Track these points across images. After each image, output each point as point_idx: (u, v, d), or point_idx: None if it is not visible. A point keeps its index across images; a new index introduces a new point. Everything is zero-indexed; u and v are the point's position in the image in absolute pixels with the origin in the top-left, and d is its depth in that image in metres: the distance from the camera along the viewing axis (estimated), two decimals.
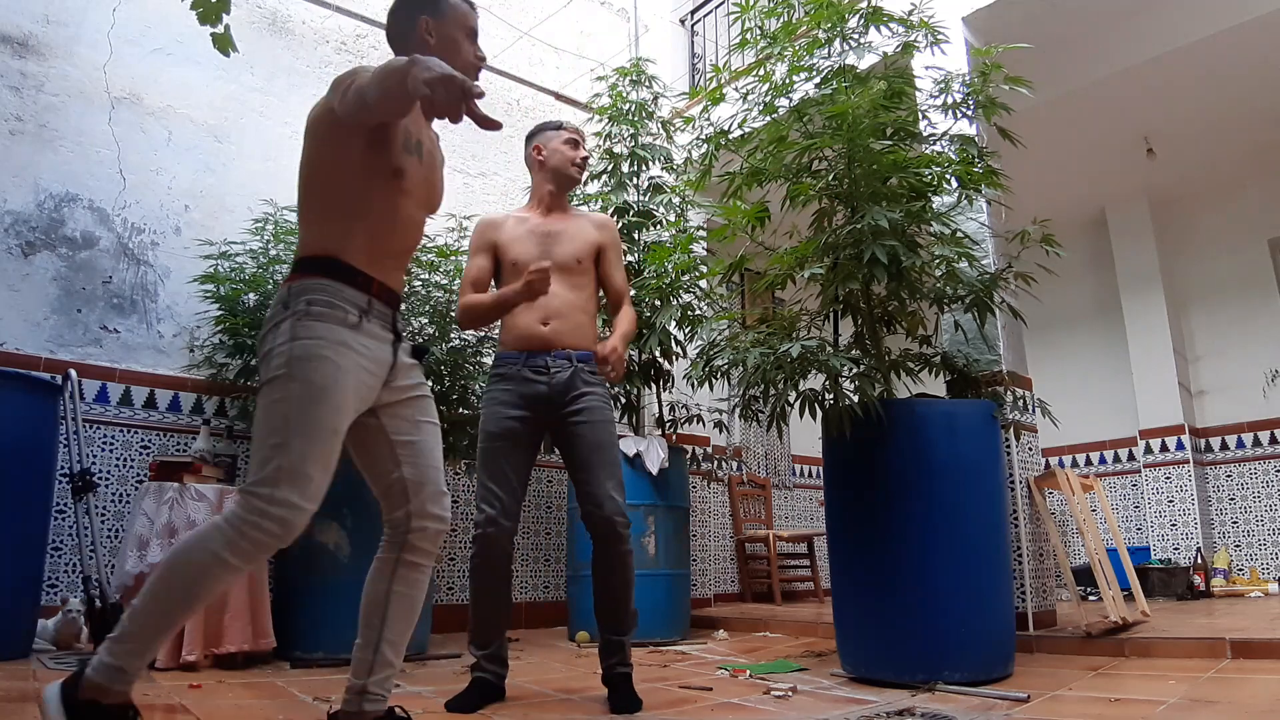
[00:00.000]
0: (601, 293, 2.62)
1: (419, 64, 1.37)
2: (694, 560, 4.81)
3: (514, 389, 2.39)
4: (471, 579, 2.37)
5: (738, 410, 3.10)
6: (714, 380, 3.28)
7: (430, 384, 3.72)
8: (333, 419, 1.55)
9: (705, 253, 4.45)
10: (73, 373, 3.32)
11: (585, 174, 2.61)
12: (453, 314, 3.84)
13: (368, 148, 1.65)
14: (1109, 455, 6.58)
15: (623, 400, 4.48)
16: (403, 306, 1.80)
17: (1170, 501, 5.90)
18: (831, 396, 2.80)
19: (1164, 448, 6.00)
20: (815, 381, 2.89)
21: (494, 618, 2.37)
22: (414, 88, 1.36)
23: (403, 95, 1.40)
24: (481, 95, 1.38)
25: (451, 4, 1.84)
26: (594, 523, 2.33)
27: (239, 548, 1.47)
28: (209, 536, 1.49)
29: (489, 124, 1.43)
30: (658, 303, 4.27)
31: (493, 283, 2.55)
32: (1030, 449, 3.64)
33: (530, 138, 2.63)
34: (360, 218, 1.66)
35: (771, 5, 3.17)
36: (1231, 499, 5.95)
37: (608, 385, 2.51)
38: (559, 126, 2.62)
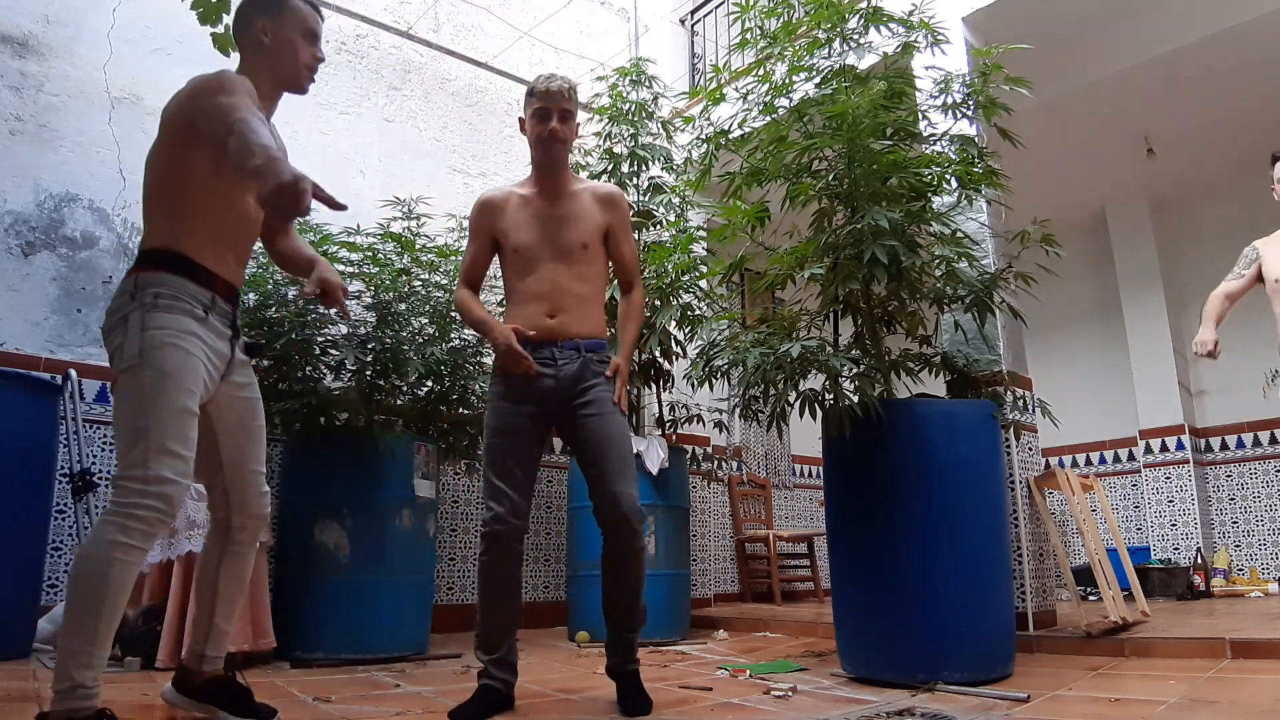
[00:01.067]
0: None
1: (265, 174, 1.47)
2: (694, 560, 4.81)
3: (519, 382, 2.26)
4: (480, 580, 2.24)
5: (738, 410, 3.10)
6: (714, 380, 3.27)
7: (430, 383, 3.77)
8: (186, 400, 1.68)
9: (705, 253, 4.45)
10: (73, 373, 3.32)
11: (564, 146, 2.36)
12: (453, 314, 3.84)
13: (215, 151, 1.71)
14: (1109, 455, 6.58)
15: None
16: (241, 300, 1.99)
17: (1170, 501, 5.90)
18: (831, 396, 2.79)
19: (1164, 448, 6.00)
20: (815, 381, 2.89)
21: (502, 621, 2.23)
22: (260, 197, 1.49)
23: (249, 181, 1.56)
24: (307, 197, 1.45)
25: (291, 7, 1.93)
26: (607, 519, 2.21)
27: (130, 529, 1.58)
28: (101, 531, 1.58)
29: (334, 205, 1.54)
30: (658, 303, 4.27)
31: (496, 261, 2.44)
32: (1030, 449, 3.64)
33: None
34: (203, 214, 1.77)
35: (771, 5, 3.17)
36: (1231, 499, 5.95)
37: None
38: (531, 92, 2.35)
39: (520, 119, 2.41)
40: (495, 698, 2.15)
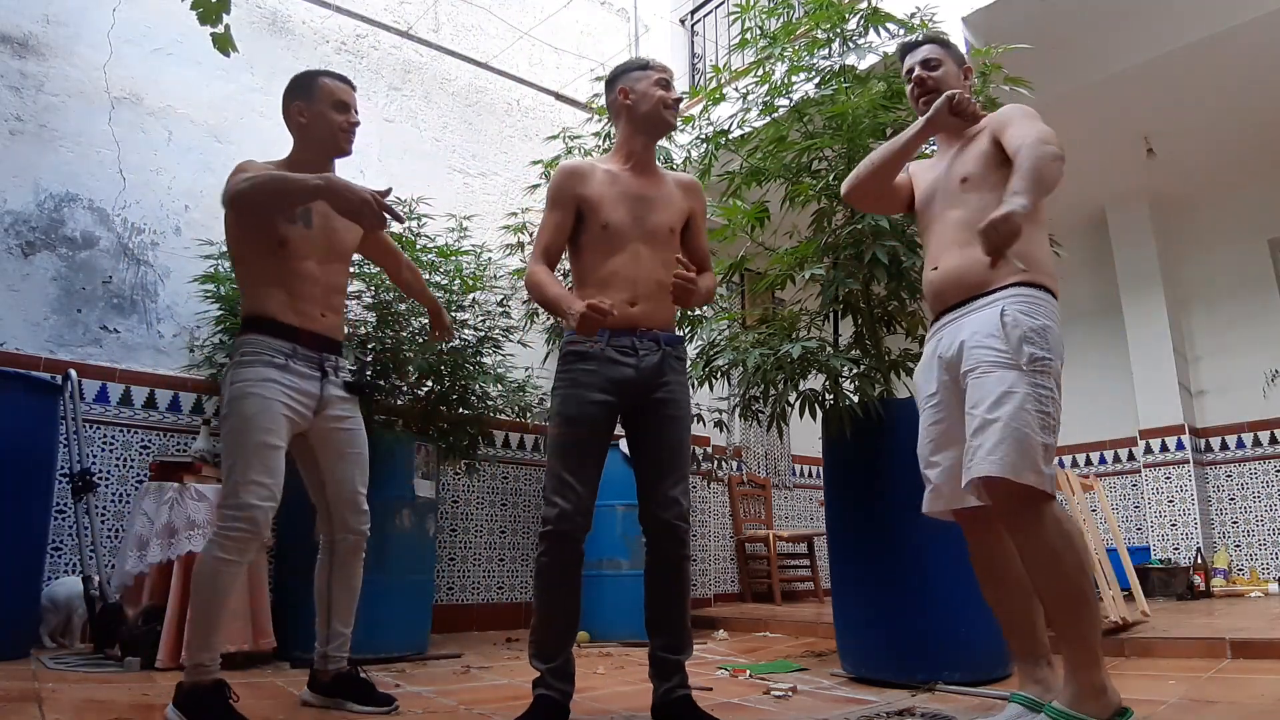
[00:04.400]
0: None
1: (333, 189, 2.00)
2: (694, 560, 4.79)
3: (598, 370, 2.07)
4: (538, 583, 2.05)
5: (738, 410, 3.10)
6: (714, 380, 3.27)
7: (430, 383, 3.77)
8: (265, 437, 2.03)
9: None
10: (73, 373, 3.32)
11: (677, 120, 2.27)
12: (454, 315, 3.84)
13: (258, 228, 2.11)
14: (1109, 455, 6.58)
15: None
16: (343, 346, 2.34)
17: (1170, 501, 5.90)
18: (831, 397, 2.79)
19: (1164, 448, 6.00)
20: (815, 382, 2.89)
21: (563, 628, 2.05)
22: (348, 210, 2.03)
23: (296, 203, 2.10)
24: (384, 195, 2.05)
25: (319, 84, 2.26)
26: (654, 524, 2.07)
27: (226, 546, 1.98)
28: (208, 549, 2.00)
29: (396, 217, 2.08)
30: None
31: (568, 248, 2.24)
32: None
33: (613, 81, 2.27)
34: (272, 279, 2.13)
35: (771, 5, 3.17)
36: (1231, 499, 5.94)
37: (689, 374, 2.31)
38: (645, 65, 2.24)
39: (623, 89, 2.22)
40: (553, 710, 1.97)
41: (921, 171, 2.15)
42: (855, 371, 2.83)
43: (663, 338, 2.15)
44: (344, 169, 2.29)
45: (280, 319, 2.11)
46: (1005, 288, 1.84)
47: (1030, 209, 1.72)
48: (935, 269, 1.98)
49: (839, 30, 3.05)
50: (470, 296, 3.96)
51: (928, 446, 1.96)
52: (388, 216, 2.06)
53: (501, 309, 4.12)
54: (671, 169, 4.58)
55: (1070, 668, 1.71)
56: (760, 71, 3.15)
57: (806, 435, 6.22)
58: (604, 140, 4.64)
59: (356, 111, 2.30)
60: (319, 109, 2.23)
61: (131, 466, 3.67)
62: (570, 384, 2.10)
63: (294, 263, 2.15)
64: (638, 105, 2.20)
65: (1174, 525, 5.84)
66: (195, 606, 2.00)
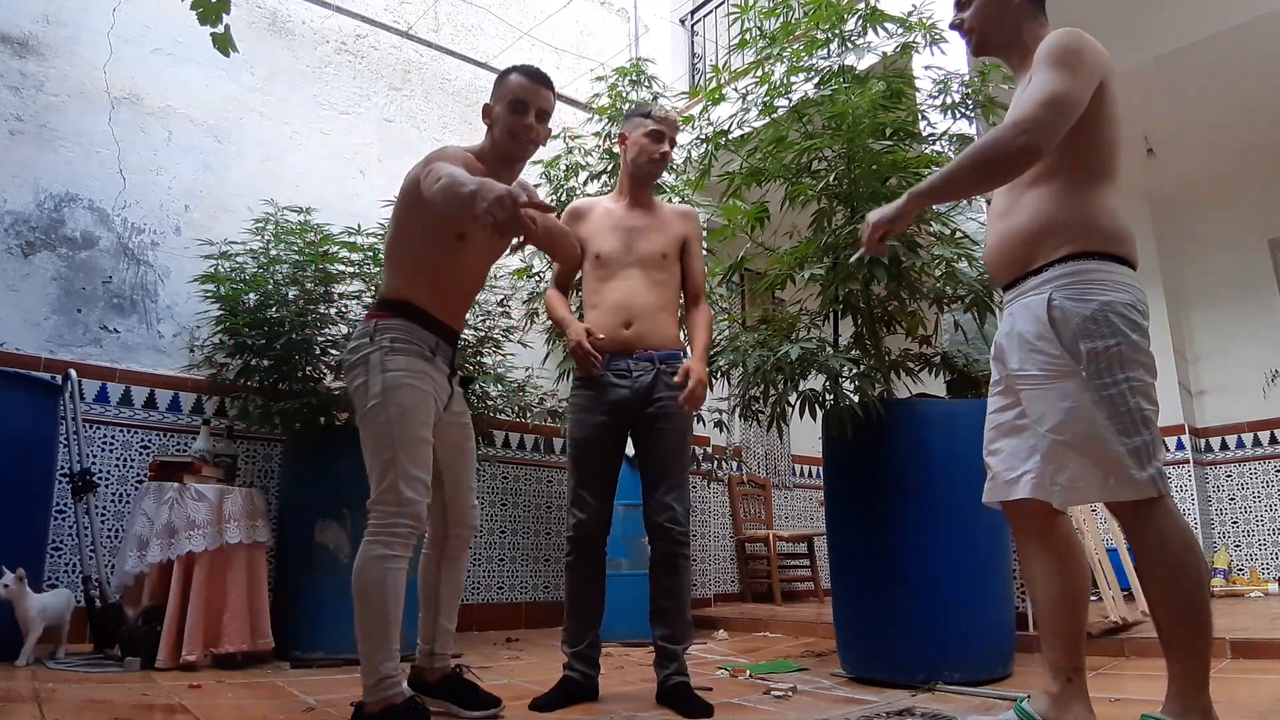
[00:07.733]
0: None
1: (479, 194, 1.63)
2: (694, 560, 4.80)
3: (596, 394, 2.38)
4: (566, 581, 2.45)
5: (738, 410, 3.10)
6: (714, 380, 3.27)
7: None
8: (423, 431, 1.95)
9: (705, 253, 4.44)
10: (73, 373, 3.32)
11: (665, 168, 2.55)
12: None
13: (441, 215, 1.88)
14: None
15: None
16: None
17: None
18: (831, 397, 2.79)
19: (1164, 448, 5.99)
20: (815, 382, 2.89)
21: (585, 619, 2.41)
22: (479, 215, 1.62)
23: (467, 212, 1.67)
24: (523, 203, 1.62)
25: (503, 82, 2.10)
26: (651, 526, 2.38)
27: (393, 544, 1.89)
28: (366, 550, 1.90)
29: (545, 208, 1.73)
30: None
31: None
32: None
33: (625, 121, 2.58)
34: (428, 268, 2.01)
35: (771, 5, 3.17)
36: (1231, 499, 5.94)
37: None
38: (647, 114, 2.51)
39: (623, 135, 2.54)
40: (575, 688, 2.33)
41: None
42: (855, 371, 2.83)
43: (657, 356, 2.38)
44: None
45: (430, 311, 2.01)
46: (1052, 265, 1.59)
47: (922, 206, 1.67)
48: (989, 243, 1.77)
49: (838, 30, 3.05)
50: None
51: (990, 433, 1.76)
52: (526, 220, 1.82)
53: (501, 309, 4.12)
54: (671, 169, 4.62)
55: (1179, 687, 1.47)
56: (760, 72, 3.15)
57: (806, 435, 6.22)
58: (604, 140, 4.64)
59: (540, 115, 2.08)
60: (500, 109, 2.07)
61: (131, 466, 3.67)
62: (576, 409, 2.42)
63: (460, 257, 2.05)
64: (629, 151, 2.50)
65: None
66: (368, 615, 1.86)
